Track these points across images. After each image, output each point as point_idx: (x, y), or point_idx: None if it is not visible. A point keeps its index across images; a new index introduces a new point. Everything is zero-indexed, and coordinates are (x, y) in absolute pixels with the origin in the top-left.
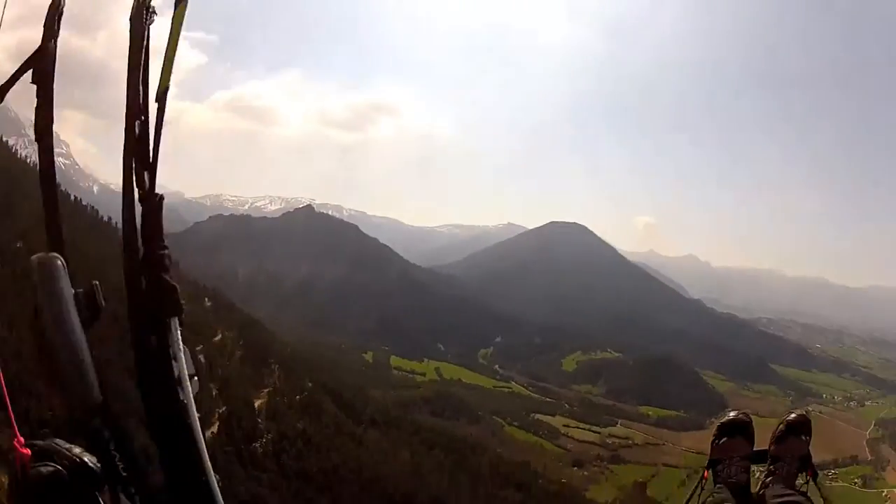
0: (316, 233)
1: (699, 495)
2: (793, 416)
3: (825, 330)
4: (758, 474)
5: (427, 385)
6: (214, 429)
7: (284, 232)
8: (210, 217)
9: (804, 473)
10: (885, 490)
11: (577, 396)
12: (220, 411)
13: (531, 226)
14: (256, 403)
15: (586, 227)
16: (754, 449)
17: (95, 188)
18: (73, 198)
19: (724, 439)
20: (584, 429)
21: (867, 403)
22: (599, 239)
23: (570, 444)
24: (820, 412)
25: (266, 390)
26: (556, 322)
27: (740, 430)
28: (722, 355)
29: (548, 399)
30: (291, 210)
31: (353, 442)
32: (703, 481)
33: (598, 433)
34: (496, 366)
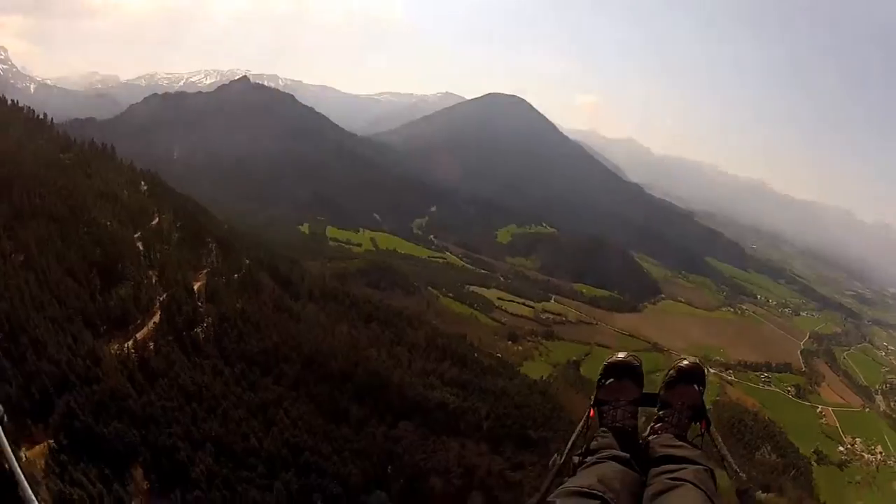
0: (251, 105)
1: (584, 434)
2: (685, 362)
3: (763, 233)
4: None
5: (363, 255)
6: (157, 318)
7: (219, 106)
8: (144, 98)
9: (698, 424)
10: (820, 406)
11: (512, 269)
12: (161, 299)
13: (469, 96)
14: (196, 286)
15: (526, 102)
16: (643, 392)
17: (32, 87)
18: (10, 101)
19: (612, 380)
20: (518, 303)
21: (802, 314)
22: (539, 114)
23: (504, 318)
24: (754, 312)
25: (204, 271)
26: (492, 194)
27: (629, 372)
28: (657, 242)
29: (482, 271)
30: (227, 83)
31: (291, 319)
32: (589, 420)
33: (532, 308)
34: (431, 236)
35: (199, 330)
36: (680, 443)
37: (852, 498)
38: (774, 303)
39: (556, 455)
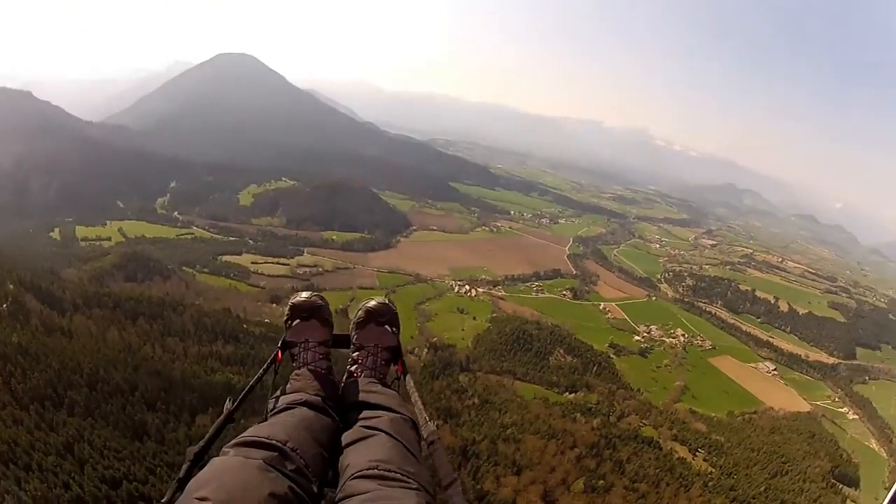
0: None
1: (273, 376)
2: (372, 303)
3: (509, 153)
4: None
5: (115, 249)
6: None
7: None
8: None
9: (394, 367)
10: (602, 304)
11: (259, 231)
12: None
13: (198, 61)
14: None
15: (255, 58)
16: (334, 334)
17: None
18: None
19: (298, 322)
20: (272, 263)
21: (561, 221)
22: (268, 68)
23: (262, 282)
24: (510, 228)
25: None
26: (228, 158)
27: (315, 312)
28: (399, 175)
29: (231, 238)
30: None
31: (65, 337)
32: (277, 364)
33: (287, 265)
34: (175, 213)
35: None
36: (377, 388)
37: (669, 380)
38: (529, 215)
39: (228, 400)
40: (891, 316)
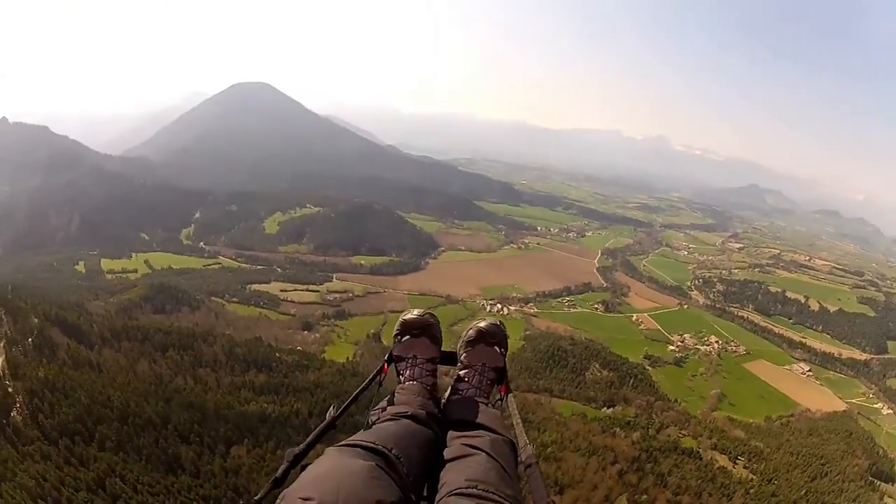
0: (8, 145)
1: (378, 387)
2: (483, 323)
3: (530, 168)
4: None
5: (141, 281)
6: None
7: None
8: None
9: (498, 388)
10: (635, 315)
11: (286, 258)
12: None
13: (214, 91)
14: None
15: (272, 86)
16: (442, 351)
17: None
18: None
19: (408, 338)
20: (301, 290)
21: (588, 234)
22: (286, 96)
23: (293, 309)
24: (538, 244)
25: (0, 343)
26: (251, 187)
27: (425, 330)
28: (423, 197)
29: (259, 267)
30: None
31: (93, 371)
32: (382, 376)
33: (317, 291)
34: (201, 243)
35: (14, 413)
36: (481, 407)
37: (706, 389)
38: (556, 230)
39: (332, 407)
40: None
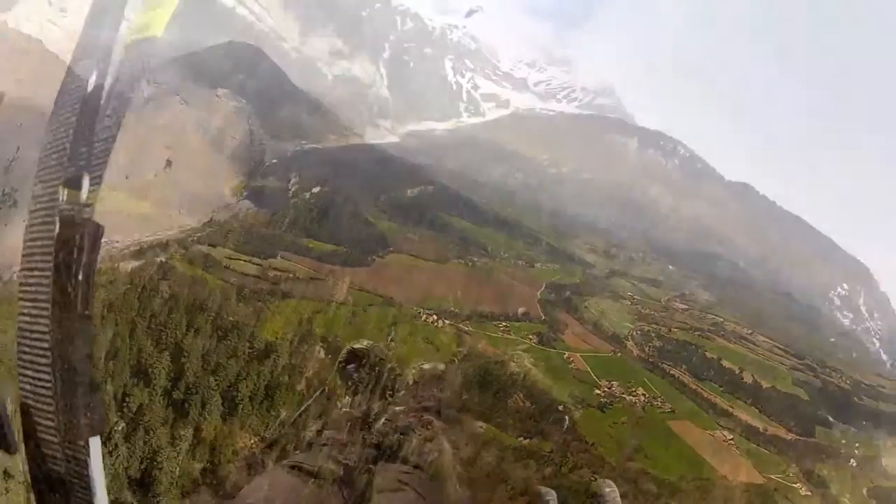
0: None
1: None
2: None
3: (498, 189)
4: None
5: None
6: None
7: None
8: None
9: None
10: (567, 353)
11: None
12: None
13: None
14: None
15: (262, 51)
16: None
17: None
18: None
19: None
20: (245, 261)
21: (537, 265)
22: (274, 64)
23: (232, 278)
24: (485, 263)
25: None
26: None
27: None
28: (386, 193)
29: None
30: None
31: None
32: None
33: (259, 265)
34: None
35: None
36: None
37: (626, 437)
38: (507, 255)
39: None
40: (854, 399)
